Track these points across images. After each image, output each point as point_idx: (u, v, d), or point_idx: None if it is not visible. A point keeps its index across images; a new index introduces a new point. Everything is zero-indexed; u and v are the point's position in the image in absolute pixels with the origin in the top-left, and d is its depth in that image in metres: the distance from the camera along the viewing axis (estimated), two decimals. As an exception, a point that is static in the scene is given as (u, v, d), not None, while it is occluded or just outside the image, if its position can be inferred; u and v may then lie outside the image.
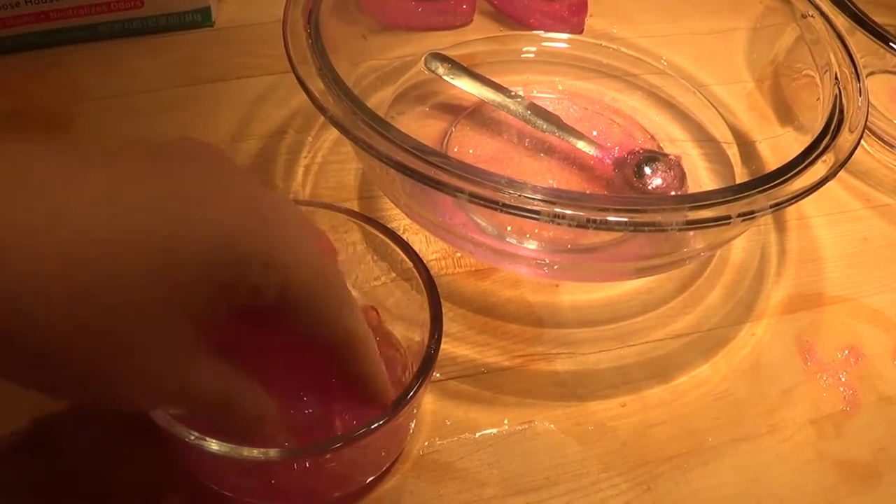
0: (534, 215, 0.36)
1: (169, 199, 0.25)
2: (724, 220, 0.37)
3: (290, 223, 0.29)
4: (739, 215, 0.37)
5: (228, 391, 0.29)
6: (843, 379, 0.45)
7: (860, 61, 0.47)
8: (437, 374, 0.42)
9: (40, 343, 0.23)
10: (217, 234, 0.26)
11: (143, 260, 0.24)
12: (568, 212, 0.35)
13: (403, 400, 0.34)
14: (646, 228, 0.36)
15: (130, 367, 0.26)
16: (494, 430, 0.41)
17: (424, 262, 0.39)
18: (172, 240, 0.25)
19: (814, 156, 0.41)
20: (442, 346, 0.43)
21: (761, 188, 0.38)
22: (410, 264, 0.39)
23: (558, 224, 0.36)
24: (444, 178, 0.36)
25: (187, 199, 0.26)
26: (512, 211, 0.36)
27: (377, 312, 0.40)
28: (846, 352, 0.46)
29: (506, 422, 0.41)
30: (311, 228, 0.31)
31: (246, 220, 0.26)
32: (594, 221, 0.36)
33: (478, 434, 0.40)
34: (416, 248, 0.39)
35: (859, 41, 0.52)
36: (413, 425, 0.39)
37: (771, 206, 0.38)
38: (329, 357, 0.32)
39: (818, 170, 0.40)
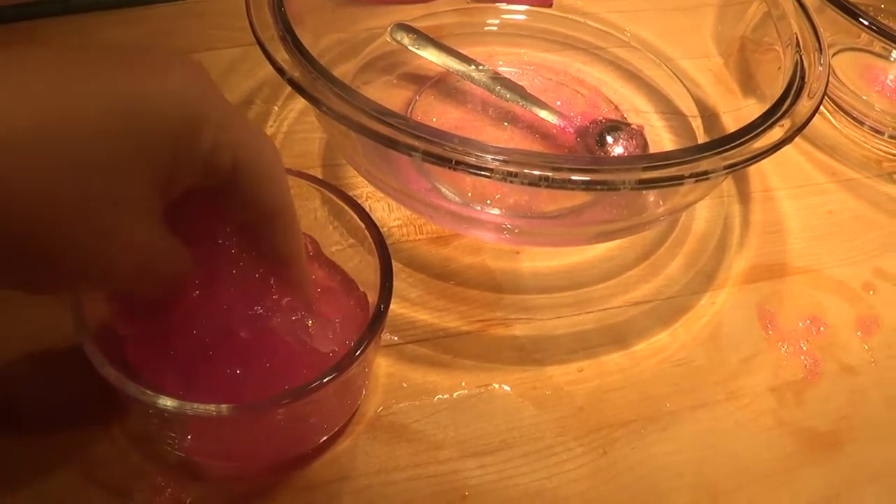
0: (486, 173, 0.35)
1: (122, 74, 0.26)
2: (677, 180, 0.37)
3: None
4: (692, 175, 0.37)
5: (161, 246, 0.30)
6: (804, 348, 0.45)
7: (829, 38, 0.48)
8: (395, 338, 0.42)
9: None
10: (174, 97, 0.27)
11: (102, 133, 0.25)
12: (520, 169, 0.35)
13: (353, 355, 0.34)
14: (598, 187, 0.36)
15: (98, 230, 0.27)
16: (451, 394, 0.41)
17: (379, 225, 0.39)
18: (130, 106, 0.26)
19: (771, 120, 0.41)
20: (401, 310, 0.43)
21: (716, 150, 0.38)
22: (364, 227, 0.39)
23: (511, 182, 0.36)
24: (398, 136, 0.36)
25: (142, 72, 0.26)
26: (464, 168, 0.35)
27: (316, 242, 0.39)
28: (808, 321, 0.46)
29: (463, 384, 0.41)
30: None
31: (199, 86, 0.27)
32: (546, 179, 0.35)
33: (435, 397, 0.40)
34: (378, 215, 0.39)
35: (829, 18, 0.53)
36: (366, 385, 0.39)
37: (725, 168, 0.38)
38: (257, 230, 0.32)
39: (774, 133, 0.40)
